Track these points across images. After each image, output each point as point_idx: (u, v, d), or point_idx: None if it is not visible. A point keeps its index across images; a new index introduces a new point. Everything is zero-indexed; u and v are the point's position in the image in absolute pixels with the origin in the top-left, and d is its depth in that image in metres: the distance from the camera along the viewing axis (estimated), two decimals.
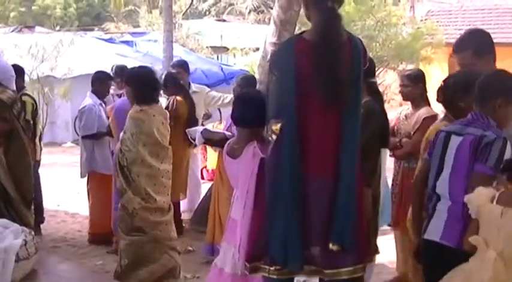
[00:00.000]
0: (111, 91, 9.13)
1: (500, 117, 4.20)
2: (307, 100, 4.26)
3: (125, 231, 6.39)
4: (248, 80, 8.30)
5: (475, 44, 4.99)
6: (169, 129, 6.68)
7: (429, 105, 6.63)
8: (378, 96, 5.29)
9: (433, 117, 6.19)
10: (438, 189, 4.27)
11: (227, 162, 5.09)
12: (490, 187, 3.90)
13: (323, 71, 4.22)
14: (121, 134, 6.43)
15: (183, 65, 9.79)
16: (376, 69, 22.25)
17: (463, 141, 4.19)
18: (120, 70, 9.31)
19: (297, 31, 9.09)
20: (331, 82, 4.23)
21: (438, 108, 5.58)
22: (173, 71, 9.42)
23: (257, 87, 8.39)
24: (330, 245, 4.24)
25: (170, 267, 6.51)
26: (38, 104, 9.27)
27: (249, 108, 5.00)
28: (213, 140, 7.51)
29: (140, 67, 6.91)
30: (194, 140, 7.94)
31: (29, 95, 8.96)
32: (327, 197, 4.30)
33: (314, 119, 4.28)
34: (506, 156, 3.99)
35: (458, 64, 5.06)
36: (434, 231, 4.24)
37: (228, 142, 5.23)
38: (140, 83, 6.54)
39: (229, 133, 7.15)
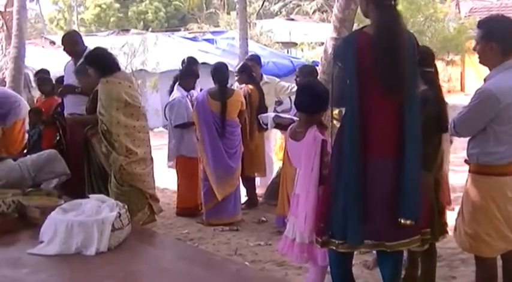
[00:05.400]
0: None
1: None
2: (368, 88, 4.14)
3: (117, 182, 6.46)
4: (309, 70, 8.19)
5: (486, 28, 4.65)
6: (138, 90, 6.94)
7: None
8: (433, 85, 5.04)
9: None
10: None
11: (290, 145, 5.03)
12: None
13: (385, 63, 4.10)
14: (98, 105, 6.46)
15: (255, 59, 9.80)
16: None
17: None
18: (192, 60, 9.61)
19: (354, 27, 9.05)
20: (392, 72, 4.10)
21: None
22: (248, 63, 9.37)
23: (319, 77, 8.31)
24: (402, 221, 4.14)
25: (149, 214, 6.61)
26: None
27: (309, 96, 4.94)
28: (283, 125, 7.42)
29: (94, 48, 7.02)
30: (266, 124, 7.89)
31: None
32: (387, 178, 4.19)
33: (374, 106, 4.17)
34: None
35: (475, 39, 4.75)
36: None
37: (290, 127, 5.15)
38: (98, 60, 6.60)
39: (297, 118, 7.06)
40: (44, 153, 7.11)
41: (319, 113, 4.83)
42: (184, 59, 9.64)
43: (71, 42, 7.76)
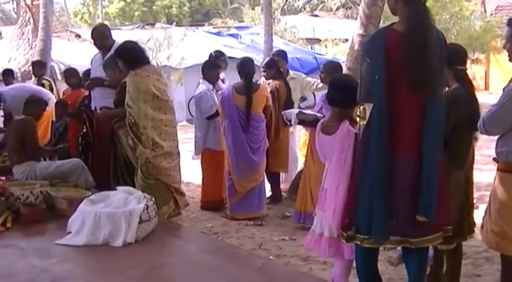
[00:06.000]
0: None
1: None
2: (395, 84, 4.14)
3: (143, 175, 6.49)
4: (333, 66, 8.17)
5: None
6: (167, 84, 7.00)
7: None
8: (465, 83, 5.03)
9: None
10: None
11: (321, 138, 5.00)
12: None
13: (414, 58, 4.11)
14: (126, 97, 6.49)
15: (282, 54, 9.80)
16: None
17: None
18: (219, 53, 9.73)
19: (381, 24, 9.08)
20: (420, 68, 4.11)
21: None
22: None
23: (343, 72, 8.32)
24: (417, 217, 4.14)
25: (174, 208, 6.67)
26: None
27: (341, 90, 4.94)
28: (306, 121, 7.44)
29: (124, 41, 7.08)
30: (289, 121, 7.89)
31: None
32: (411, 174, 4.19)
33: (401, 102, 4.17)
34: None
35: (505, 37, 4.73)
36: None
37: (321, 121, 5.15)
38: (126, 53, 6.66)
39: (320, 115, 7.08)
40: (69, 162, 7.18)
41: (351, 107, 4.83)
42: (211, 53, 9.72)
43: (101, 36, 7.82)
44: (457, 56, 4.93)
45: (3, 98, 9.75)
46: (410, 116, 4.21)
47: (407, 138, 4.21)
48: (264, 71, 8.95)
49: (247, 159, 8.09)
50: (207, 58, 9.67)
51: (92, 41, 8.08)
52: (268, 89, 8.58)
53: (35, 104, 7.60)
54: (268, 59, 9.43)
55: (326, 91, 7.25)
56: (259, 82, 8.86)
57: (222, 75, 9.44)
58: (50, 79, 11.88)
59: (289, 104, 8.73)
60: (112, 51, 7.23)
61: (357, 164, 4.46)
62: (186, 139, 10.80)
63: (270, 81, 8.83)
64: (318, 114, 7.18)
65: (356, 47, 8.95)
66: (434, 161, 4.21)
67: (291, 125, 8.30)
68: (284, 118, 8.08)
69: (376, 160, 4.18)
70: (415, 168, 4.19)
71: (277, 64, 9.01)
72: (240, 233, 7.50)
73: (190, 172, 10.10)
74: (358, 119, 4.38)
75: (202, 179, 8.90)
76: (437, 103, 4.23)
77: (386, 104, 4.14)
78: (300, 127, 9.06)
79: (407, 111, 4.20)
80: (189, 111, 12.93)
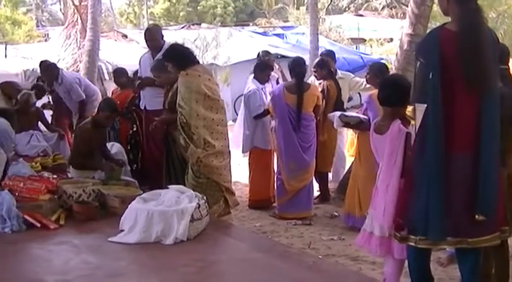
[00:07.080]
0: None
1: None
2: (449, 83, 4.13)
3: (194, 174, 6.55)
4: (378, 67, 8.11)
5: None
6: (217, 84, 7.05)
7: None
8: (508, 82, 5.01)
9: None
10: None
11: (374, 139, 5.00)
12: None
13: (468, 55, 4.10)
14: (178, 98, 6.54)
15: (331, 54, 9.87)
16: None
17: None
18: (266, 53, 9.88)
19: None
20: (475, 65, 4.10)
21: None
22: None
23: (392, 72, 8.28)
24: (476, 216, 4.11)
25: (224, 207, 6.71)
26: None
27: (392, 89, 4.95)
28: (351, 124, 7.41)
29: (171, 45, 7.23)
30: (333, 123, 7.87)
31: None
32: (467, 173, 4.17)
33: (456, 100, 4.15)
34: None
35: None
36: None
37: (374, 121, 5.15)
38: (175, 55, 6.74)
39: (365, 116, 7.05)
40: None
41: (402, 106, 4.84)
42: (259, 53, 9.79)
43: (154, 37, 7.95)
44: (501, 56, 4.89)
45: (61, 73, 10.00)
46: (465, 115, 4.19)
47: (463, 136, 4.20)
48: (315, 71, 8.96)
49: (298, 159, 8.09)
50: (253, 57, 9.72)
51: (140, 42, 8.22)
52: (319, 89, 8.56)
53: (106, 112, 7.29)
54: (318, 59, 9.44)
55: (371, 92, 7.28)
56: (308, 81, 8.87)
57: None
58: None
59: (339, 104, 8.72)
60: (162, 52, 7.32)
61: (412, 164, 4.44)
62: (235, 139, 10.84)
63: (321, 81, 8.82)
64: (362, 116, 7.15)
65: (405, 46, 8.93)
66: (492, 159, 4.19)
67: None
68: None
69: (433, 159, 4.16)
70: (471, 166, 4.17)
71: (328, 64, 9.01)
72: (288, 232, 7.51)
73: (237, 171, 10.15)
74: (410, 119, 4.38)
75: (250, 178, 8.95)
76: (493, 101, 4.21)
77: (441, 101, 4.13)
78: None
79: (462, 110, 4.18)
80: (235, 111, 12.81)
